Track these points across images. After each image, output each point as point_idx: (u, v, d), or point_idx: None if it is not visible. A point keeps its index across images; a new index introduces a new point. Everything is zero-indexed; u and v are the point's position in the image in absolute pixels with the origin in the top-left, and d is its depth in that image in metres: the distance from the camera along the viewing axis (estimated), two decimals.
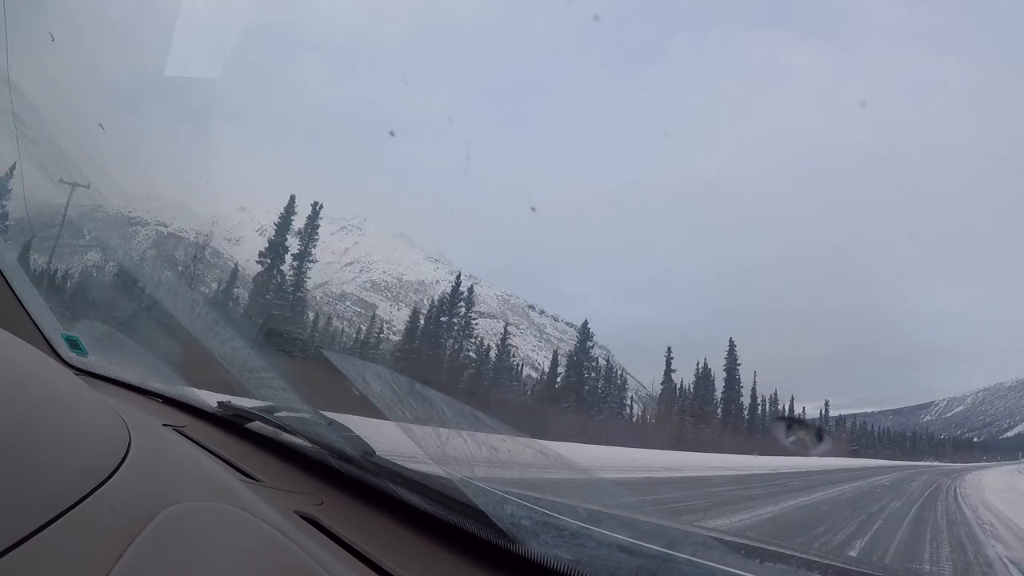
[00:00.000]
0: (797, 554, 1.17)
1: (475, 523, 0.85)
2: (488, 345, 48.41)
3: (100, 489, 0.64)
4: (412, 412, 1.13)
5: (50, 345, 2.04)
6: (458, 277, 47.13)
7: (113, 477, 0.68)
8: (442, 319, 43.02)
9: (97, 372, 2.01)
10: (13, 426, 0.64)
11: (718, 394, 52.59)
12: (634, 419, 52.32)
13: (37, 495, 0.57)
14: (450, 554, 0.88)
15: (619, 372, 56.00)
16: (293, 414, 1.43)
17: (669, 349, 51.10)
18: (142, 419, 1.19)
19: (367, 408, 1.14)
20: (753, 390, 54.95)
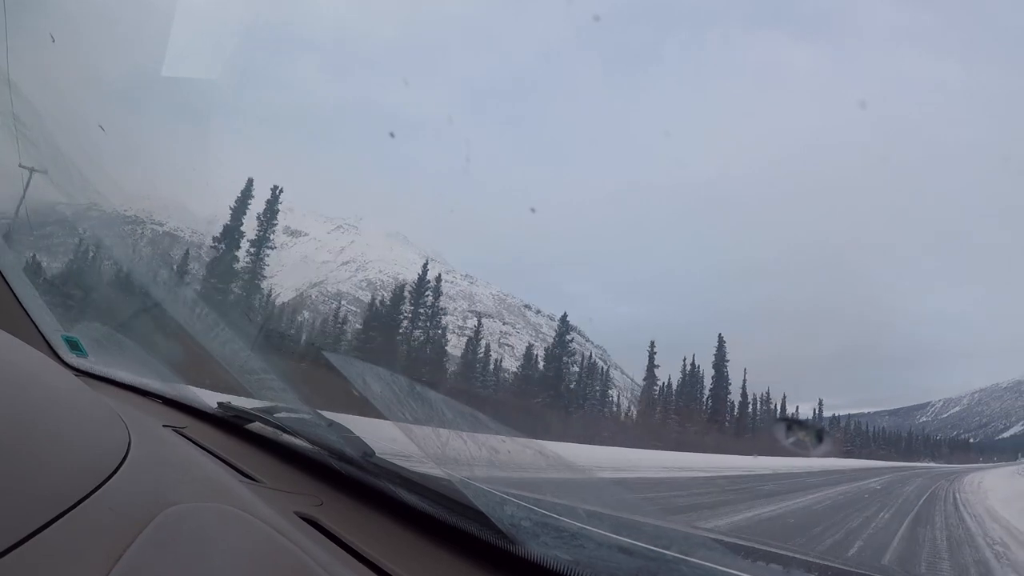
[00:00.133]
0: (797, 555, 1.17)
1: (475, 524, 0.86)
2: (448, 335, 46.45)
3: (100, 490, 0.64)
4: (412, 413, 1.13)
5: (50, 346, 2.04)
6: (425, 264, 44.98)
7: (113, 478, 0.68)
8: (403, 308, 40.94)
9: (97, 373, 2.00)
10: (13, 427, 0.64)
11: (707, 392, 50.40)
12: (609, 415, 49.30)
13: (37, 496, 0.57)
14: (450, 555, 0.88)
15: (603, 368, 54.50)
16: (293, 415, 1.42)
17: (652, 343, 48.92)
18: (142, 420, 1.19)
19: (367, 409, 1.14)
20: (743, 388, 52.71)
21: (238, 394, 1.68)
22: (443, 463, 0.98)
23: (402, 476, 1.02)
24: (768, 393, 56.23)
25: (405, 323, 40.75)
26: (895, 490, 18.99)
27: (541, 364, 45.83)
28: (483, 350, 48.68)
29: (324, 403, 1.54)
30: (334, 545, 0.82)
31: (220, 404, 1.63)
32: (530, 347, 50.82)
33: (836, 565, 1.29)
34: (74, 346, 2.15)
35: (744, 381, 52.59)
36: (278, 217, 36.50)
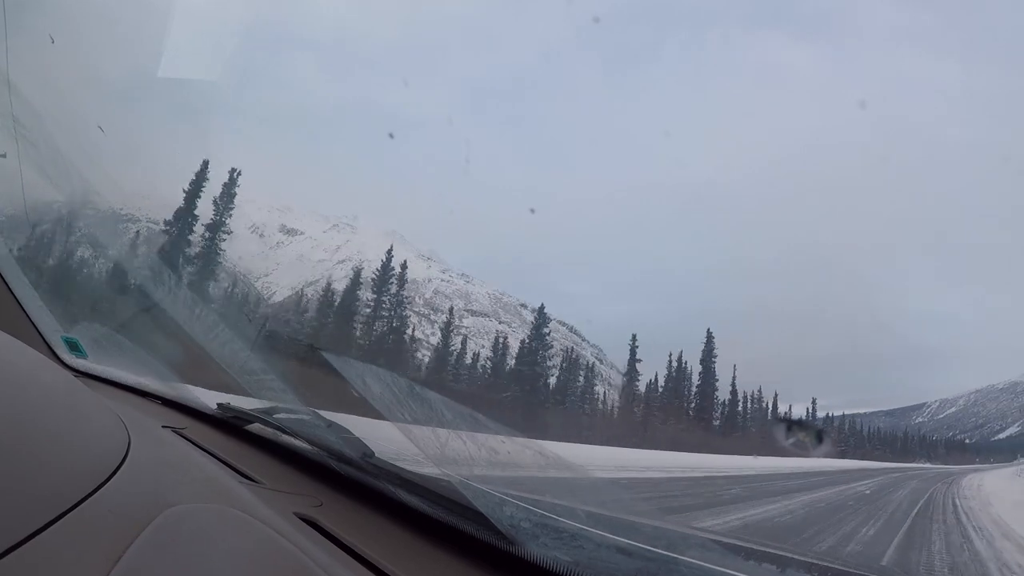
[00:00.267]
0: (795, 556, 1.18)
1: (474, 525, 0.86)
2: (413, 325, 44.65)
3: (99, 491, 0.64)
4: (411, 413, 1.13)
5: (49, 347, 2.03)
6: (389, 251, 42.26)
7: (112, 479, 0.68)
8: (363, 297, 39.23)
9: (96, 374, 2.00)
10: (12, 428, 0.64)
11: (694, 389, 47.99)
12: (583, 412, 46.29)
13: (36, 497, 0.57)
14: (449, 556, 0.88)
15: (587, 363, 53.14)
16: (292, 416, 1.42)
17: (634, 337, 46.15)
18: (141, 421, 1.19)
19: (366, 409, 1.14)
20: (732, 386, 50.12)
21: (238, 395, 1.67)
22: (442, 464, 0.99)
23: (402, 477, 1.03)
24: (760, 392, 53.87)
25: (383, 319, 39.57)
26: (886, 496, 16.35)
27: (512, 360, 43.66)
28: (479, 349, 47.84)
29: (323, 404, 1.54)
30: (334, 546, 0.82)
31: (220, 405, 1.63)
32: (498, 337, 49.20)
33: (834, 566, 1.30)
34: (73, 347, 2.15)
35: (734, 378, 50.44)
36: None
